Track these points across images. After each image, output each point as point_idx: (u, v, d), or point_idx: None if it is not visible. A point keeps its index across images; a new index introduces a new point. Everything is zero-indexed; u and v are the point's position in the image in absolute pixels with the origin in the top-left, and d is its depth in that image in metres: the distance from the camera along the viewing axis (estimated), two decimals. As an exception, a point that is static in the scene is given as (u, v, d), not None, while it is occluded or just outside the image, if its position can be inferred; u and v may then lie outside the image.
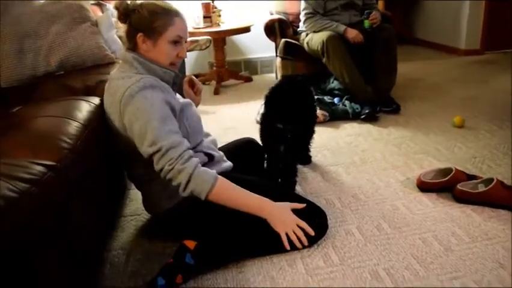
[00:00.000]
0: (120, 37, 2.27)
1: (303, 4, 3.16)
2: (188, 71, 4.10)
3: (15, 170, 0.99)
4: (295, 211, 1.51)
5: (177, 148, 1.39)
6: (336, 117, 2.85)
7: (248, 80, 4.12)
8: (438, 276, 1.37)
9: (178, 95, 1.60)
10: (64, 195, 1.10)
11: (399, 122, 2.79)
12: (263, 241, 1.51)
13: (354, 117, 2.85)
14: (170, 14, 1.49)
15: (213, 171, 1.44)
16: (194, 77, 1.88)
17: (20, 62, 1.91)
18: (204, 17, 3.73)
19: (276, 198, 1.52)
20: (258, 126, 2.03)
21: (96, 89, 1.74)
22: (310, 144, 2.20)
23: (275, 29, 3.56)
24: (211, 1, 3.80)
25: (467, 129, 2.60)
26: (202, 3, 3.74)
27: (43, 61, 1.96)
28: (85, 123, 1.36)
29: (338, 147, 2.46)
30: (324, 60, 3.01)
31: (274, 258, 1.50)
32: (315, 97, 2.37)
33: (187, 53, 3.71)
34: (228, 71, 4.01)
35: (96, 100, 1.58)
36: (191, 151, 1.43)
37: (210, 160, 1.58)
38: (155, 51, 1.50)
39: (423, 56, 4.81)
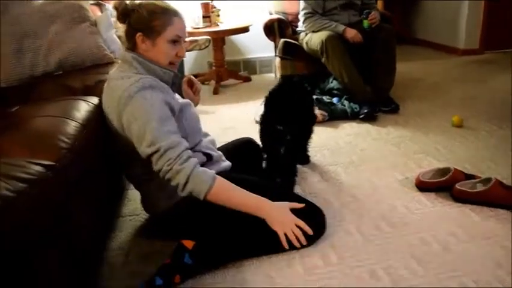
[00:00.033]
0: (119, 37, 2.27)
1: (302, 4, 3.16)
2: (188, 70, 4.11)
3: (13, 170, 0.99)
4: (293, 211, 1.51)
5: (176, 148, 1.39)
6: (335, 117, 2.85)
7: (247, 79, 4.12)
8: (437, 276, 1.37)
9: (177, 95, 1.61)
10: (62, 195, 1.10)
11: (398, 122, 2.79)
12: (261, 241, 1.51)
13: (353, 117, 2.86)
14: (169, 14, 1.50)
15: (211, 171, 1.45)
16: (193, 77, 1.88)
17: (19, 61, 1.92)
18: (204, 17, 3.73)
19: (274, 198, 1.52)
20: (257, 126, 2.03)
21: (95, 89, 1.73)
22: (309, 144, 2.20)
23: (274, 28, 3.57)
24: (210, 1, 3.80)
25: (466, 129, 2.60)
26: (202, 3, 3.74)
27: (42, 61, 1.96)
28: (83, 123, 1.36)
29: (337, 146, 2.46)
30: (323, 60, 3.01)
31: (273, 257, 1.50)
32: (314, 97, 2.37)
33: (187, 52, 3.71)
34: (227, 71, 4.01)
35: (95, 100, 1.58)
36: (190, 151, 1.44)
37: (208, 160, 1.58)
38: (154, 51, 1.50)
39: (423, 55, 4.82)
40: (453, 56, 4.68)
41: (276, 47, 3.51)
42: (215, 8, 3.81)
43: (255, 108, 2.98)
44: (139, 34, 1.48)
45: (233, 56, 4.31)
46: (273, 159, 1.93)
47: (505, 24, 4.56)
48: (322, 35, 2.98)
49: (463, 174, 1.89)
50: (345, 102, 2.94)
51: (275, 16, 3.63)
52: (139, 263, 1.52)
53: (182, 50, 1.54)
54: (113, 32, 2.31)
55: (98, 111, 1.52)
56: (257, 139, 2.01)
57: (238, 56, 4.38)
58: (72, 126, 1.30)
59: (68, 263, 1.14)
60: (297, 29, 3.39)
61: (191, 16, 3.64)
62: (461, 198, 1.78)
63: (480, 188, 1.78)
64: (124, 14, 1.51)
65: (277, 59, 3.44)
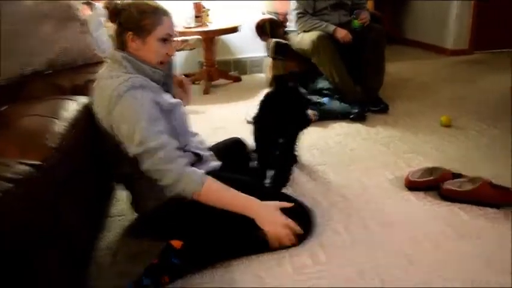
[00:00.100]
0: (109, 36, 2.26)
1: (293, 4, 3.17)
2: (179, 70, 4.09)
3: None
4: (283, 210, 1.52)
5: (165, 148, 1.39)
6: (325, 116, 2.86)
7: (237, 79, 4.12)
8: (427, 275, 1.38)
9: (167, 95, 1.60)
10: (50, 195, 1.09)
11: (387, 122, 2.81)
12: (251, 240, 1.51)
13: (343, 116, 2.87)
14: (159, 13, 1.50)
15: (201, 171, 1.45)
16: (184, 77, 1.88)
17: (8, 60, 1.90)
18: (196, 17, 3.73)
19: (263, 198, 1.53)
20: (247, 126, 2.03)
21: (84, 88, 1.72)
22: (297, 144, 2.21)
23: (266, 28, 3.57)
24: (200, 1, 3.79)
25: (455, 129, 2.62)
26: (194, 3, 3.74)
27: (32, 60, 1.94)
28: (72, 122, 1.35)
29: (326, 146, 2.47)
30: (313, 60, 3.02)
31: (262, 257, 1.50)
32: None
33: (178, 52, 3.71)
34: (218, 71, 4.01)
35: (84, 99, 1.57)
36: (179, 151, 1.44)
37: (198, 160, 1.58)
38: (144, 50, 1.50)
39: (412, 55, 4.85)
40: (442, 56, 4.71)
41: (267, 47, 3.51)
42: (204, 8, 3.81)
43: (246, 108, 2.98)
44: (129, 33, 1.49)
45: (224, 55, 4.31)
46: (265, 160, 1.94)
47: (494, 24, 4.60)
48: (313, 35, 2.99)
49: (452, 173, 1.91)
50: (335, 102, 2.95)
51: (267, 16, 3.63)
52: (127, 263, 1.52)
53: (172, 49, 1.55)
54: (103, 31, 2.30)
55: (87, 111, 1.51)
56: (247, 139, 2.01)
57: (228, 56, 4.37)
58: (61, 126, 1.29)
59: (55, 263, 1.13)
60: (287, 29, 3.40)
61: (183, 16, 3.64)
62: (450, 197, 1.80)
63: (469, 187, 1.80)
64: (115, 13, 1.51)
65: (269, 59, 3.45)
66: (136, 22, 1.48)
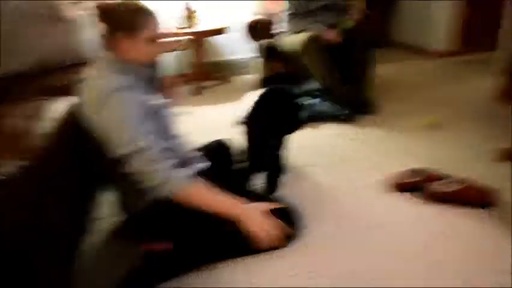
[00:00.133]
0: (98, 36, 2.25)
1: (285, 5, 3.18)
2: (168, 71, 4.07)
3: (-18, 170, 0.98)
4: (270, 211, 1.52)
5: (152, 149, 1.38)
6: (315, 118, 2.87)
7: (226, 81, 4.12)
8: (416, 275, 1.40)
9: (154, 95, 1.60)
10: (33, 196, 1.09)
11: (376, 123, 2.82)
12: (238, 242, 1.50)
13: (333, 117, 2.88)
14: (147, 13, 1.50)
15: (187, 173, 1.44)
16: (173, 78, 1.88)
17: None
18: (187, 18, 3.73)
19: (251, 200, 1.53)
20: (234, 128, 2.02)
21: (71, 89, 1.72)
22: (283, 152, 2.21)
23: (256, 29, 3.57)
24: (190, 0, 3.79)
25: (443, 130, 2.64)
26: (186, 4, 3.73)
27: (19, 60, 1.93)
28: (57, 123, 1.35)
29: (316, 147, 2.47)
30: (304, 61, 3.03)
31: (249, 259, 1.50)
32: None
33: (167, 53, 3.71)
34: (206, 72, 4.01)
35: (70, 100, 1.56)
36: (166, 152, 1.43)
37: (184, 161, 1.58)
38: (132, 50, 1.50)
39: (401, 57, 4.85)
40: (431, 57, 4.72)
41: (257, 48, 3.52)
42: (191, 9, 3.80)
43: (233, 109, 2.98)
44: (117, 33, 1.48)
45: (213, 57, 4.30)
46: (258, 160, 1.94)
47: (482, 25, 4.62)
48: (303, 36, 2.99)
49: (439, 174, 1.92)
50: (325, 104, 2.96)
51: (257, 17, 3.63)
52: (111, 266, 1.51)
53: (159, 49, 1.55)
54: (91, 31, 2.29)
55: (73, 112, 1.50)
56: (234, 140, 2.00)
57: (217, 57, 4.36)
58: (45, 127, 1.29)
59: (39, 263, 1.12)
60: (278, 30, 3.41)
61: (173, 17, 3.63)
62: (437, 198, 1.81)
63: (455, 187, 1.81)
64: (103, 13, 1.50)
65: (258, 60, 3.45)
66: (124, 22, 1.47)
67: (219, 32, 3.79)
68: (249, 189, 1.81)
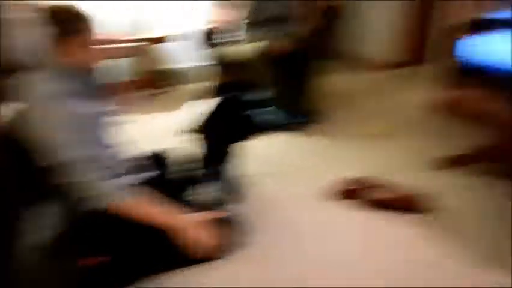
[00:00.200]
0: (36, 41, 2.17)
1: (241, 14, 3.21)
2: (114, 78, 3.98)
3: None
4: (210, 222, 1.51)
5: (91, 158, 1.35)
6: (265, 127, 2.89)
7: (171, 89, 4.09)
8: (357, 282, 1.42)
9: (95, 103, 1.56)
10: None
11: (323, 131, 2.86)
12: (174, 254, 1.48)
13: (281, 127, 2.91)
14: (88, 19, 1.47)
15: (122, 183, 1.41)
16: (117, 84, 1.84)
17: None
18: (137, 24, 3.69)
19: (191, 210, 1.51)
20: (177, 137, 2.00)
21: (7, 95, 1.64)
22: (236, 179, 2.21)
23: (210, 38, 3.57)
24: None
25: (385, 139, 2.70)
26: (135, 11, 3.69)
27: None
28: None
29: (266, 157, 2.48)
30: (255, 70, 3.06)
31: (187, 271, 1.48)
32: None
33: (115, 60, 3.63)
34: (152, 80, 3.96)
35: (6, 106, 1.49)
36: (105, 162, 1.40)
37: (123, 171, 1.54)
38: (73, 55, 1.46)
39: (346, 68, 4.95)
40: (376, 68, 4.83)
41: (211, 56, 3.51)
42: (143, 16, 3.77)
43: (179, 118, 2.94)
44: (58, 38, 1.44)
45: (160, 65, 4.25)
46: (213, 168, 1.93)
47: (421, 37, 4.76)
48: (256, 45, 3.03)
49: (380, 182, 1.98)
50: (276, 112, 2.99)
51: (207, 26, 3.63)
52: (45, 285, 1.45)
53: (98, 55, 1.52)
54: (30, 35, 2.21)
55: (7, 119, 1.44)
56: (176, 149, 1.98)
57: (164, 65, 4.32)
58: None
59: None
60: (234, 38, 3.42)
61: (119, 22, 3.57)
62: (377, 205, 1.87)
63: (393, 195, 1.88)
64: (44, 17, 1.46)
65: (207, 69, 3.45)
66: (65, 27, 1.44)
67: (165, 39, 3.79)
68: (188, 199, 1.79)
